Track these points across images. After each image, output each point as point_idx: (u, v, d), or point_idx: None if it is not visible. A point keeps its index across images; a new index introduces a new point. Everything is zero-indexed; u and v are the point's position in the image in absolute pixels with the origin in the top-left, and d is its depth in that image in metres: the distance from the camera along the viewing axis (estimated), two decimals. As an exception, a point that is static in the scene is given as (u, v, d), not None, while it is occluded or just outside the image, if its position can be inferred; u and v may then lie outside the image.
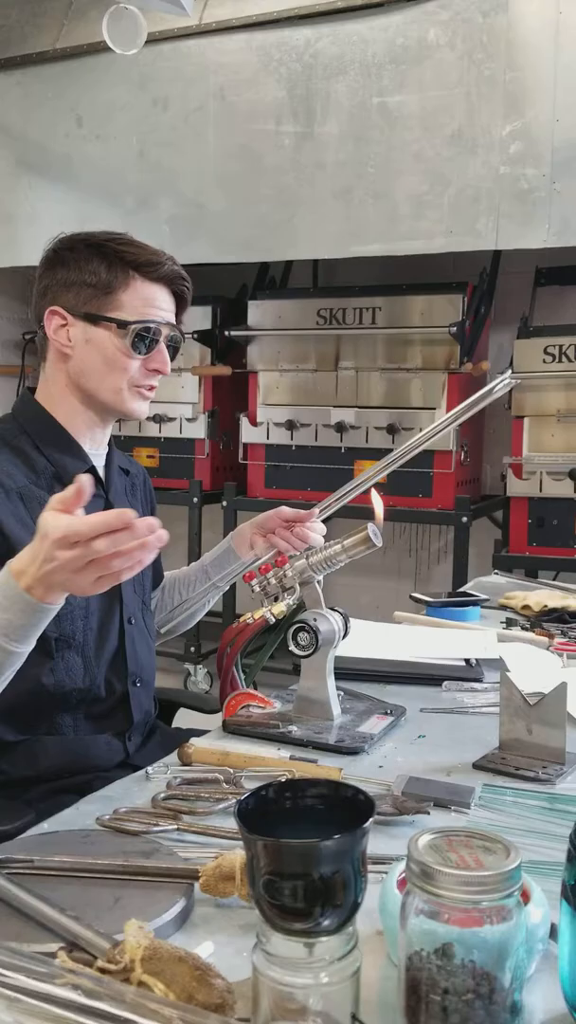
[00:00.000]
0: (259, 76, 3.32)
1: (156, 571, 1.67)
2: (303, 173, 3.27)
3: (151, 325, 1.38)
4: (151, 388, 1.44)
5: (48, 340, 1.40)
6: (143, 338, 1.38)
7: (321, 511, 1.59)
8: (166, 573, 1.73)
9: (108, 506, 1.45)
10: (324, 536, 1.53)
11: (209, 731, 1.35)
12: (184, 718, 1.77)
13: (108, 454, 1.51)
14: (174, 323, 1.43)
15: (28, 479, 1.35)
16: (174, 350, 1.45)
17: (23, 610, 1.04)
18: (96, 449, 1.46)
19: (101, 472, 1.47)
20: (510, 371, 1.61)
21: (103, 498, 1.46)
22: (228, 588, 1.75)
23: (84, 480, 0.99)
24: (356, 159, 3.17)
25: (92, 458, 1.44)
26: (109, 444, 1.52)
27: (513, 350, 3.22)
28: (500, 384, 1.57)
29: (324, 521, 1.57)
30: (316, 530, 1.54)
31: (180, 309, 1.46)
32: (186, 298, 1.46)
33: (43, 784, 1.34)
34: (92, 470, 1.43)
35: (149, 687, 1.51)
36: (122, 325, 1.37)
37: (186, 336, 1.47)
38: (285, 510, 1.55)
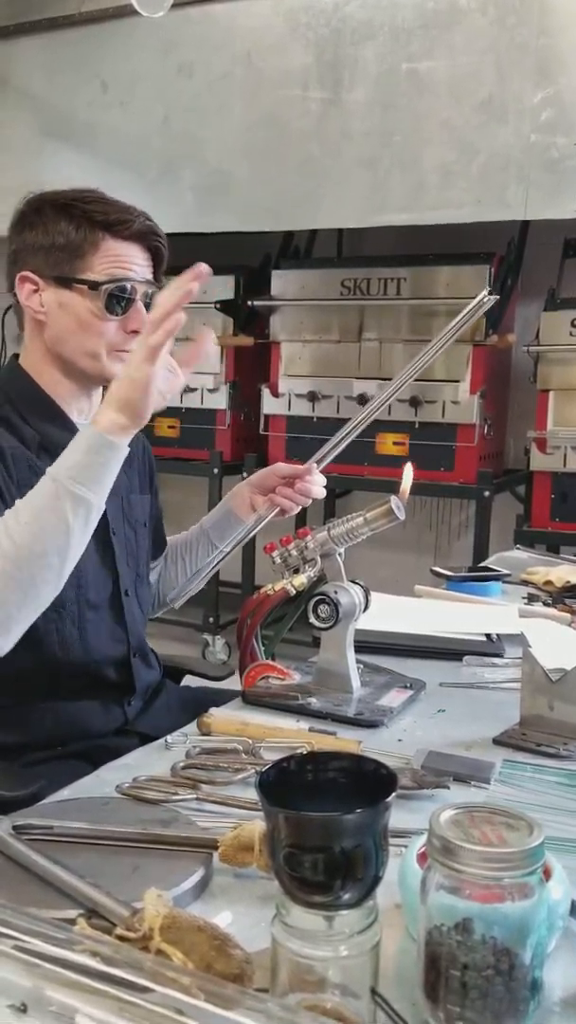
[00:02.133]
0: (286, 41, 3.26)
1: (158, 540, 1.64)
2: (329, 141, 3.22)
3: (125, 284, 1.33)
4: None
5: (23, 308, 1.36)
6: (117, 298, 1.32)
7: (318, 462, 1.55)
8: (169, 539, 1.69)
9: None
10: (347, 510, 1.51)
11: (220, 688, 1.34)
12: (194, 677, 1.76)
13: None
14: (151, 280, 1.37)
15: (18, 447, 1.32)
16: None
17: (98, 450, 1.13)
18: (85, 418, 1.40)
19: None
20: (487, 290, 1.55)
21: None
22: (236, 551, 1.70)
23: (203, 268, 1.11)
24: (383, 127, 3.12)
25: (80, 428, 1.38)
26: None
27: (540, 323, 3.17)
28: (481, 302, 1.53)
29: (345, 495, 1.56)
30: (316, 483, 1.52)
31: (157, 266, 1.39)
32: (163, 254, 1.39)
33: (38, 751, 1.32)
34: None
35: (147, 657, 1.49)
36: (94, 287, 1.31)
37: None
38: (281, 466, 1.52)
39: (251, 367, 3.81)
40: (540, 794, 1.04)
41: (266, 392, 3.64)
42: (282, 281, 3.59)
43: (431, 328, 3.35)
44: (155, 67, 3.52)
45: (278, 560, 1.38)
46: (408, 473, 1.36)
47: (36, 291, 1.34)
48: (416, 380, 3.59)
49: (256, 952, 0.67)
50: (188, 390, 3.82)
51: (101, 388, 1.42)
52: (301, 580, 1.36)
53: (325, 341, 3.54)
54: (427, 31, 3.03)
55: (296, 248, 3.81)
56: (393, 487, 1.35)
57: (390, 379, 3.46)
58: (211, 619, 3.87)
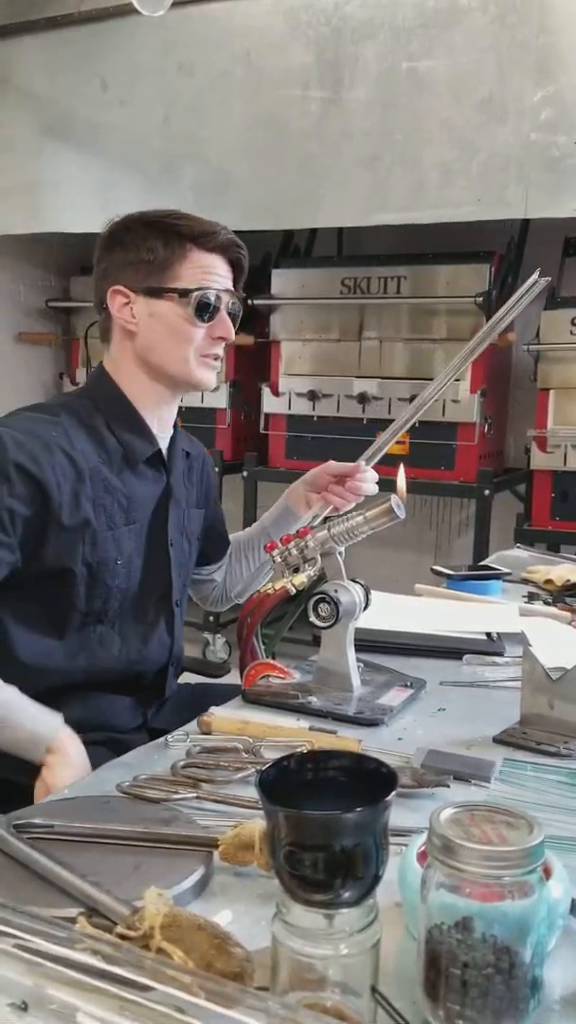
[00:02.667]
0: (286, 40, 3.26)
1: (221, 542, 1.73)
2: (329, 140, 3.22)
3: (211, 292, 1.39)
4: (216, 357, 1.44)
5: (112, 319, 1.42)
6: (205, 305, 1.39)
7: (367, 460, 1.58)
8: (232, 536, 1.77)
9: (168, 489, 1.48)
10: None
11: (220, 685, 1.36)
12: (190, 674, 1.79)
13: (173, 436, 1.52)
14: (233, 291, 1.44)
15: (100, 459, 1.37)
16: (235, 318, 1.45)
17: (30, 752, 1.21)
18: (163, 431, 1.48)
19: (165, 452, 1.49)
20: (538, 272, 1.56)
21: (163, 481, 1.48)
22: None
23: None
24: (383, 126, 3.12)
25: (159, 440, 1.46)
26: (175, 425, 1.53)
27: (540, 321, 3.17)
28: (533, 283, 1.53)
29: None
30: (368, 479, 1.55)
31: (237, 277, 1.46)
32: (243, 266, 1.46)
33: None
34: (158, 453, 1.46)
35: (180, 665, 1.56)
36: (183, 294, 1.38)
37: (245, 306, 1.49)
38: (333, 465, 1.56)
39: (251, 366, 3.81)
40: (540, 793, 1.04)
41: (266, 391, 3.64)
42: (282, 280, 3.59)
43: (431, 327, 3.35)
44: (155, 66, 3.52)
45: (278, 559, 1.39)
46: (401, 474, 1.37)
47: (127, 303, 1.40)
48: (416, 379, 3.60)
49: (256, 950, 0.67)
50: (201, 391, 3.82)
51: (183, 394, 1.50)
52: (301, 579, 1.36)
53: (325, 340, 3.54)
54: (427, 30, 3.02)
55: (296, 247, 3.81)
56: (394, 486, 1.35)
57: (390, 378, 3.48)
58: (211, 618, 3.87)
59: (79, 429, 1.37)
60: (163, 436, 1.48)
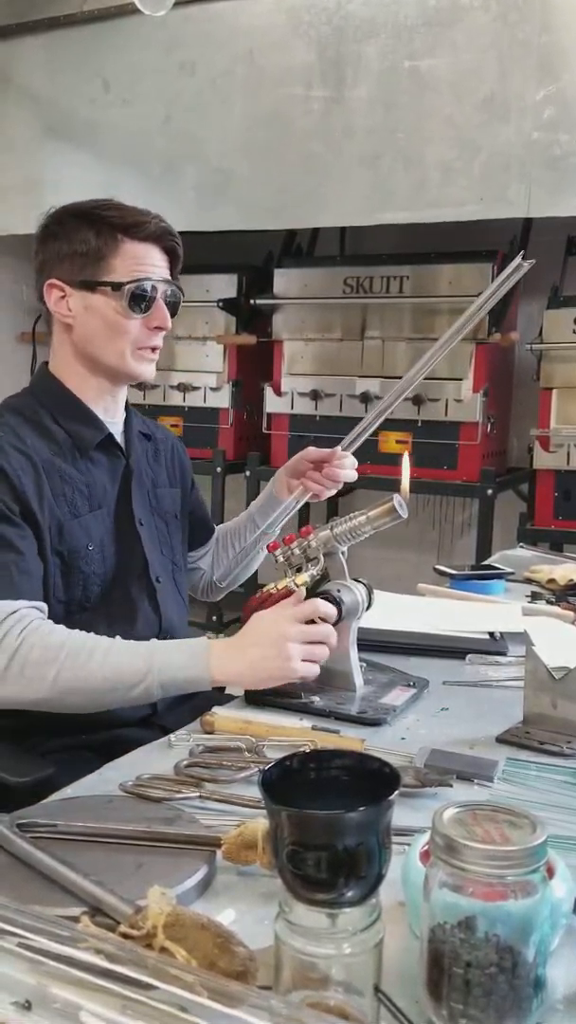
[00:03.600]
0: (288, 39, 3.26)
1: (204, 528, 1.73)
2: (332, 139, 3.22)
3: (146, 283, 1.40)
4: (155, 349, 1.45)
5: (52, 314, 1.44)
6: (139, 297, 1.40)
7: (345, 447, 1.59)
8: (220, 526, 1.79)
9: (128, 471, 1.49)
10: (349, 508, 1.53)
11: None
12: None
13: (126, 420, 1.53)
14: (169, 279, 1.45)
15: (51, 451, 1.39)
16: (174, 306, 1.46)
17: (194, 677, 1.22)
18: (111, 417, 1.49)
19: (119, 438, 1.50)
20: (521, 255, 1.57)
21: (123, 461, 1.49)
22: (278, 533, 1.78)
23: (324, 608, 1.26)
24: (385, 125, 3.12)
25: (108, 426, 1.47)
26: (127, 410, 1.54)
27: (543, 320, 3.17)
28: (516, 267, 1.54)
29: (348, 494, 1.57)
30: (346, 466, 1.56)
31: (174, 265, 1.47)
32: (178, 254, 1.47)
33: (64, 736, 1.34)
34: (109, 437, 1.46)
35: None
36: (116, 287, 1.39)
37: (183, 294, 1.50)
38: (311, 451, 1.58)
39: (254, 366, 3.81)
40: (543, 792, 1.04)
41: (269, 391, 3.64)
42: (284, 280, 3.59)
43: (434, 326, 3.34)
44: (157, 65, 3.52)
45: (281, 558, 1.39)
46: (406, 466, 1.36)
47: (63, 297, 1.42)
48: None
49: (259, 950, 0.67)
50: (191, 389, 3.82)
51: (125, 386, 1.51)
52: (304, 578, 1.36)
53: (327, 340, 3.53)
54: (429, 28, 3.02)
55: (298, 246, 3.80)
56: (396, 485, 1.35)
57: (393, 378, 3.48)
58: (214, 618, 3.87)
59: (24, 426, 1.39)
60: (113, 422, 1.49)
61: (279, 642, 1.22)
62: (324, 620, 1.26)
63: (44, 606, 1.29)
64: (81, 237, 1.39)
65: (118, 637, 1.26)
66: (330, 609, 1.26)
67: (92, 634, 1.24)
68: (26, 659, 1.19)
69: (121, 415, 1.52)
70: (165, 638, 1.45)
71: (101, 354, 1.42)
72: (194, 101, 3.47)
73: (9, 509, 1.29)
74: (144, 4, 2.88)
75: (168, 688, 1.22)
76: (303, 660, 1.22)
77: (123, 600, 1.43)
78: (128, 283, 1.38)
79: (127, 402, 1.55)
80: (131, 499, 1.47)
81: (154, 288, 1.41)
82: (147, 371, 1.46)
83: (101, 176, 3.62)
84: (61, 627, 1.24)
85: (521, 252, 1.55)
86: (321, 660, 1.24)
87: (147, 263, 1.41)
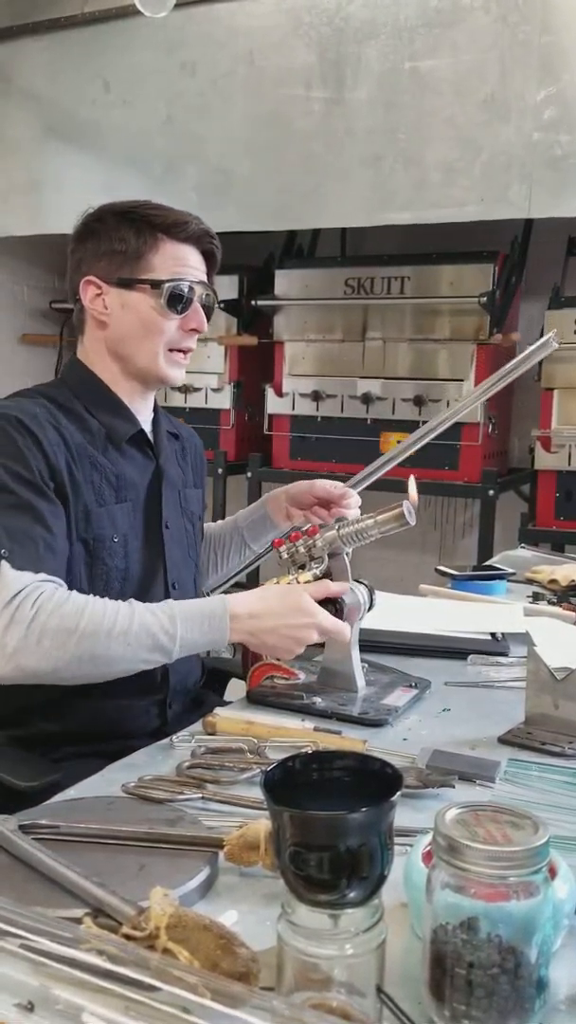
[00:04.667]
0: (289, 40, 3.26)
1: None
2: (332, 140, 3.22)
3: (184, 283, 1.39)
4: (187, 352, 1.44)
5: (85, 311, 1.43)
6: (178, 296, 1.39)
7: (354, 486, 1.58)
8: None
9: (158, 470, 1.48)
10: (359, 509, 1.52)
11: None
12: (236, 691, 1.75)
13: (155, 418, 1.53)
14: (206, 282, 1.44)
15: (84, 438, 1.38)
16: (208, 310, 1.45)
17: (213, 641, 1.24)
18: (141, 415, 1.48)
19: (150, 435, 1.49)
20: (552, 332, 1.57)
21: (154, 461, 1.48)
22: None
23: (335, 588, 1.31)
24: (386, 125, 3.12)
25: (140, 422, 1.46)
26: (155, 409, 1.53)
27: (544, 321, 3.17)
28: (541, 345, 1.54)
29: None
30: (352, 506, 1.54)
31: (211, 268, 1.46)
32: (216, 256, 1.46)
33: (73, 744, 1.34)
34: (141, 432, 1.46)
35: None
36: (156, 285, 1.38)
37: (218, 298, 1.49)
38: (319, 487, 1.54)
39: (255, 367, 3.81)
40: (545, 793, 1.04)
41: (270, 392, 3.64)
42: (285, 280, 3.59)
43: (434, 326, 3.34)
44: (158, 66, 3.52)
45: (285, 555, 1.38)
46: (412, 485, 1.37)
47: (100, 295, 1.41)
48: (420, 379, 3.60)
49: (262, 951, 0.67)
50: (192, 390, 3.82)
51: (154, 389, 1.49)
52: (307, 577, 1.36)
53: (329, 340, 3.53)
54: (430, 29, 3.02)
55: (299, 247, 3.80)
56: (396, 486, 1.35)
57: (394, 378, 3.48)
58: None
59: (59, 411, 1.38)
60: (144, 419, 1.48)
61: (296, 609, 1.26)
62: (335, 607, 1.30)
63: (62, 583, 1.27)
64: (120, 235, 1.39)
65: (132, 600, 1.25)
66: (341, 587, 1.30)
67: (108, 600, 1.23)
68: (44, 628, 1.17)
69: (150, 415, 1.51)
70: None
71: (133, 353, 1.42)
72: (195, 102, 3.46)
73: (44, 483, 1.28)
74: (145, 5, 2.88)
75: (187, 650, 1.24)
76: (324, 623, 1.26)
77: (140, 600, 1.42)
78: (167, 281, 1.38)
79: (155, 401, 1.54)
80: (160, 500, 1.46)
81: (191, 289, 1.40)
82: (176, 375, 1.45)
83: (102, 177, 3.62)
84: (75, 593, 1.23)
85: (553, 331, 1.54)
86: (337, 632, 1.27)
87: (186, 264, 1.40)
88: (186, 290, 1.39)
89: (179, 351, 1.43)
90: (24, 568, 1.21)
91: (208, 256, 1.45)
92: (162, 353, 1.41)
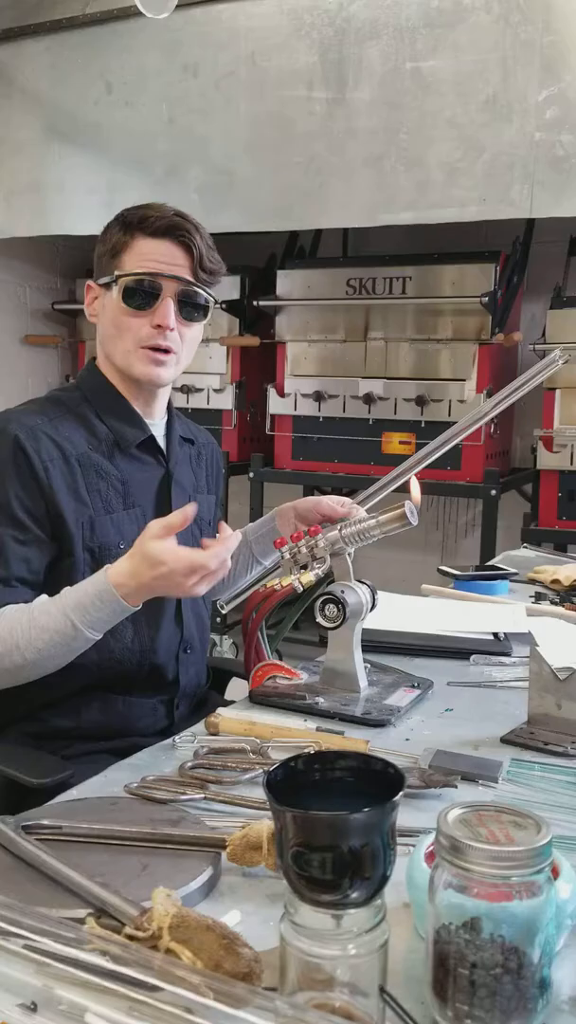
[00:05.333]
0: (291, 41, 3.26)
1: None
2: (334, 140, 3.22)
3: (143, 278, 1.36)
4: (165, 351, 1.38)
5: None
6: (132, 291, 1.36)
7: (359, 502, 1.57)
8: None
9: (168, 476, 1.47)
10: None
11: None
12: (237, 690, 1.75)
13: (169, 422, 1.51)
14: (186, 277, 1.38)
15: (89, 445, 1.38)
16: (193, 306, 1.39)
17: (115, 611, 1.23)
18: (152, 418, 1.47)
19: (161, 441, 1.48)
20: (558, 350, 1.57)
21: (164, 466, 1.47)
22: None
23: (188, 509, 1.20)
24: (388, 126, 3.12)
25: (150, 427, 1.46)
26: (170, 412, 1.52)
27: (546, 320, 3.17)
28: (550, 363, 1.54)
29: (351, 495, 1.56)
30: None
31: (197, 263, 1.39)
32: (194, 249, 1.38)
33: (84, 742, 1.35)
34: (151, 439, 1.45)
35: (199, 654, 1.52)
36: (116, 282, 1.37)
37: (211, 293, 1.42)
38: (324, 505, 1.50)
39: (257, 367, 3.81)
40: (548, 793, 1.04)
41: (272, 392, 3.64)
42: (287, 281, 3.59)
43: (436, 327, 3.35)
44: (160, 67, 3.52)
45: (287, 555, 1.38)
46: (415, 485, 1.37)
47: (95, 297, 1.43)
48: (422, 379, 3.60)
49: (265, 951, 0.67)
50: (194, 390, 3.82)
51: (160, 392, 1.48)
52: (309, 577, 1.36)
53: (331, 341, 3.54)
54: (431, 30, 3.02)
55: (301, 248, 3.81)
56: (407, 489, 1.35)
57: (396, 378, 3.48)
58: (218, 619, 3.87)
59: (65, 417, 1.38)
60: (155, 423, 1.47)
61: (170, 578, 1.20)
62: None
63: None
64: (108, 236, 1.40)
65: (43, 596, 1.28)
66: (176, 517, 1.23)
67: (18, 607, 1.26)
68: None
69: (161, 417, 1.50)
70: (186, 649, 1.47)
71: (112, 353, 1.42)
72: (197, 103, 3.47)
73: (24, 503, 1.30)
74: (146, 7, 2.88)
75: (99, 626, 1.25)
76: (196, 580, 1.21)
77: (148, 608, 1.38)
78: (124, 275, 1.36)
79: (171, 404, 1.53)
80: (170, 505, 1.45)
81: (153, 284, 1.35)
82: (150, 372, 1.39)
83: (104, 178, 3.62)
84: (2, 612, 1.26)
85: (558, 350, 1.53)
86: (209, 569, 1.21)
87: (154, 259, 1.36)
88: (145, 284, 1.35)
89: (153, 349, 1.38)
90: None
91: (189, 249, 1.38)
92: (132, 350, 1.38)
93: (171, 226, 1.37)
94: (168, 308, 1.36)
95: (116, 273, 1.37)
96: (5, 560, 1.29)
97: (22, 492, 1.30)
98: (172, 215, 1.38)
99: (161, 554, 1.18)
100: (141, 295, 1.36)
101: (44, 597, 1.28)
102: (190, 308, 1.39)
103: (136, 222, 1.37)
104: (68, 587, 1.27)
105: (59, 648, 1.24)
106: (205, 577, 1.20)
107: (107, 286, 1.39)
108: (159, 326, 1.37)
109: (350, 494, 3.83)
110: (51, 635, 1.23)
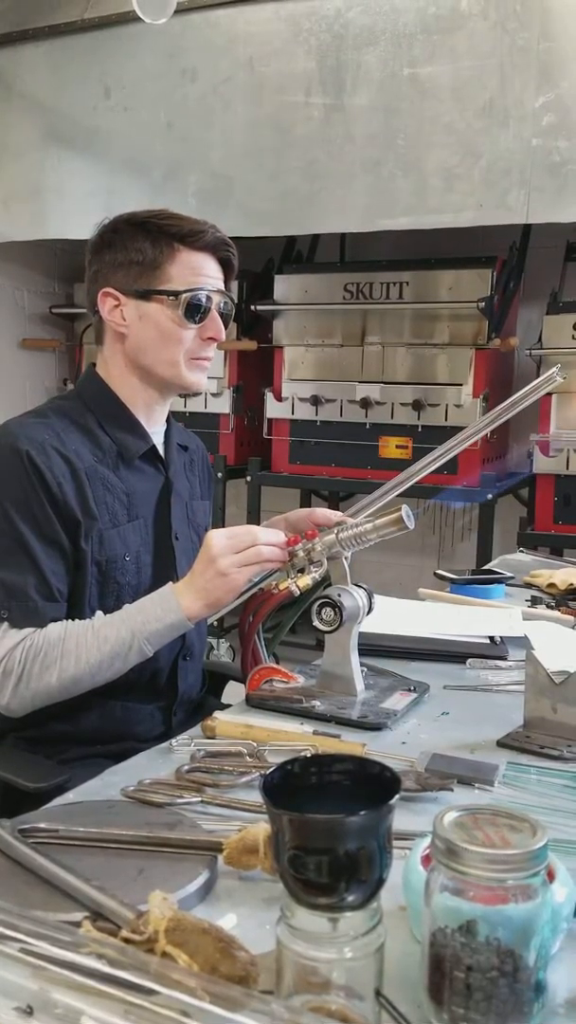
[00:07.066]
0: (289, 47, 3.27)
1: None
2: (332, 145, 3.23)
3: (202, 293, 1.39)
4: (207, 359, 1.44)
5: (104, 323, 1.43)
6: (196, 306, 1.39)
7: (352, 515, 1.57)
8: None
9: (167, 484, 1.48)
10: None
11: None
12: (233, 694, 1.75)
13: (167, 431, 1.53)
14: (223, 290, 1.44)
15: (94, 457, 1.39)
16: (226, 318, 1.44)
17: (176, 628, 1.29)
18: (154, 427, 1.48)
19: (161, 450, 1.49)
20: (556, 368, 1.57)
21: (163, 475, 1.48)
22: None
23: None
24: (386, 131, 3.13)
25: (151, 436, 1.46)
26: (168, 420, 1.53)
27: (542, 326, 3.18)
28: (545, 380, 1.54)
29: (348, 499, 1.56)
30: None
31: (228, 276, 1.46)
32: (232, 264, 1.46)
33: (82, 746, 1.36)
34: (152, 449, 1.46)
35: (197, 660, 1.53)
36: (173, 296, 1.38)
37: (235, 304, 1.49)
38: (318, 515, 1.51)
39: (254, 371, 3.82)
40: (544, 796, 1.04)
41: (269, 396, 3.65)
42: (285, 285, 3.60)
43: (433, 331, 3.35)
44: (158, 72, 3.53)
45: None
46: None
47: (118, 306, 1.41)
48: (419, 384, 3.60)
49: (261, 954, 0.67)
50: (192, 395, 3.83)
51: (173, 396, 1.51)
52: (306, 581, 1.36)
53: (328, 345, 3.54)
54: (429, 36, 3.03)
55: (299, 252, 3.81)
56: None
57: (393, 383, 3.48)
58: (215, 623, 3.87)
59: (70, 430, 1.38)
60: (155, 432, 1.49)
61: (209, 565, 1.27)
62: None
63: (52, 620, 1.32)
64: (137, 246, 1.39)
65: (99, 613, 1.32)
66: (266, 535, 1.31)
67: (73, 622, 1.30)
68: (29, 675, 1.27)
69: (163, 425, 1.51)
70: (185, 656, 1.47)
71: (153, 364, 1.41)
72: (195, 108, 3.48)
73: (47, 519, 1.31)
74: (145, 12, 2.89)
75: (154, 641, 1.29)
76: (238, 568, 1.27)
77: None
78: (185, 292, 1.38)
79: (169, 413, 1.54)
80: (170, 513, 1.46)
81: (209, 299, 1.40)
82: (199, 380, 1.44)
83: (103, 183, 3.63)
84: (50, 628, 1.29)
85: (556, 367, 1.54)
86: (255, 560, 1.28)
87: (203, 273, 1.40)
88: (204, 300, 1.39)
89: (198, 359, 1.43)
90: (23, 625, 1.29)
91: (225, 264, 1.45)
92: (182, 361, 1.41)
93: (218, 243, 1.42)
94: (219, 321, 1.42)
95: (168, 287, 1.38)
96: (43, 576, 1.31)
97: (43, 508, 1.31)
98: (212, 230, 1.41)
99: (212, 550, 1.27)
100: (199, 310, 1.39)
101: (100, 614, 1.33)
102: (224, 318, 1.44)
103: (180, 235, 1.38)
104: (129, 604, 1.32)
105: (117, 660, 1.29)
106: (240, 555, 1.26)
107: (145, 296, 1.38)
108: (211, 338, 1.42)
109: (346, 499, 3.83)
110: (111, 646, 1.28)
